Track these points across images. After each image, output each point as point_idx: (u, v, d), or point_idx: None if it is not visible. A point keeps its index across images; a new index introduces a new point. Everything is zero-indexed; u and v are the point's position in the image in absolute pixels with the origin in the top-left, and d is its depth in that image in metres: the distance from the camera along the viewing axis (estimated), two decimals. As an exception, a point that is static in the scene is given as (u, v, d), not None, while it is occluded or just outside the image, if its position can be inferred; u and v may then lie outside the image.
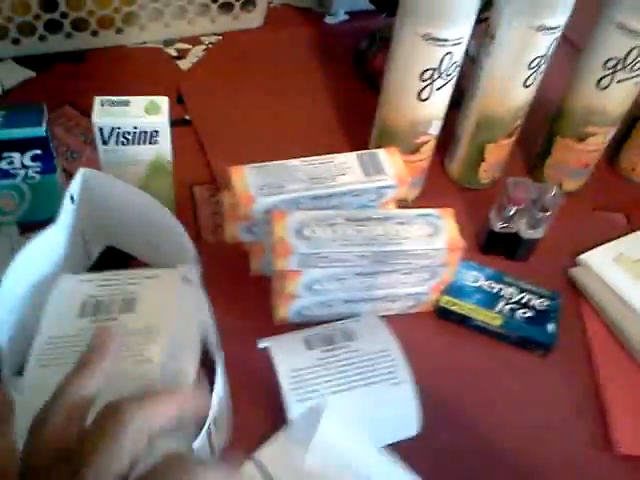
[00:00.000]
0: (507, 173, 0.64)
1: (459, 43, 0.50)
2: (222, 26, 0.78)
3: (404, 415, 0.44)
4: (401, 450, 0.44)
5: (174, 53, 0.76)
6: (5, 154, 0.48)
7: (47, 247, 0.45)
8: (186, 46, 0.77)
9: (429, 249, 0.46)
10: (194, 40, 0.77)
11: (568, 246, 0.60)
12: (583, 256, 0.59)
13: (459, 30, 0.49)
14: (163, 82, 0.71)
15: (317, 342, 0.46)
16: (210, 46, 0.77)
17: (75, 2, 0.69)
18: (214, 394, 0.38)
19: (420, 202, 0.61)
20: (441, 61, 0.50)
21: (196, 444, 0.37)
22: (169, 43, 0.77)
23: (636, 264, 0.58)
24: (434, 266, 0.48)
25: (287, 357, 0.44)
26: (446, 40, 0.49)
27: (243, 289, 0.53)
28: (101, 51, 0.74)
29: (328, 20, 0.83)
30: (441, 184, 0.65)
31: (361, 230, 0.46)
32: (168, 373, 0.38)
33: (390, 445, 0.44)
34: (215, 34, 0.78)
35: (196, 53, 0.76)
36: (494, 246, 0.59)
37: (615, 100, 0.58)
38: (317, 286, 0.47)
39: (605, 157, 0.68)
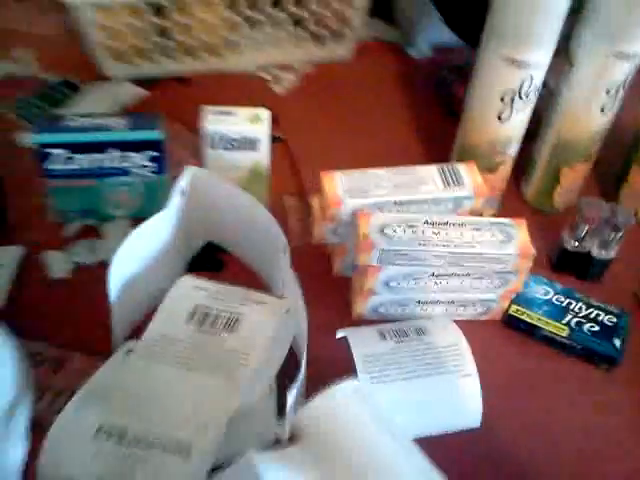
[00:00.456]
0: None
1: (540, 67, 0.54)
2: (314, 56, 0.85)
3: (468, 406, 0.47)
4: (456, 442, 0.47)
5: (269, 78, 0.83)
6: (127, 154, 0.55)
7: (155, 230, 0.51)
8: (281, 73, 0.84)
9: (501, 254, 0.50)
10: (288, 67, 0.84)
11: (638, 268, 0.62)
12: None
13: (541, 54, 0.53)
14: (259, 104, 0.78)
15: (391, 334, 0.50)
16: (303, 73, 0.84)
17: (185, 30, 0.77)
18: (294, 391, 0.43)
19: (494, 220, 0.65)
20: (521, 84, 0.54)
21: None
22: (265, 69, 0.84)
23: None
24: (505, 272, 0.51)
25: (362, 344, 0.48)
26: (528, 63, 0.53)
27: (325, 287, 0.57)
28: (205, 74, 0.82)
29: (412, 53, 0.89)
30: (516, 206, 0.68)
31: (439, 233, 0.50)
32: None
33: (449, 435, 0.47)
34: (308, 62, 0.85)
35: (289, 79, 0.83)
36: (566, 265, 0.61)
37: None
38: (394, 283, 0.51)
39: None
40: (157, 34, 0.77)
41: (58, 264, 0.56)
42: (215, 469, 0.41)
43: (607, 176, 0.70)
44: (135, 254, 0.49)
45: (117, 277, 0.47)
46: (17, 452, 0.42)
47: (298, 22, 0.82)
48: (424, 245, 0.49)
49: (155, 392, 0.44)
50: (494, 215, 0.65)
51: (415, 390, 0.46)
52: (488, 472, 0.48)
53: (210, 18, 0.77)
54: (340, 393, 0.39)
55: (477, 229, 0.51)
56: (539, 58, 0.54)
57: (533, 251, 0.51)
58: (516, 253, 0.50)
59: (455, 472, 0.39)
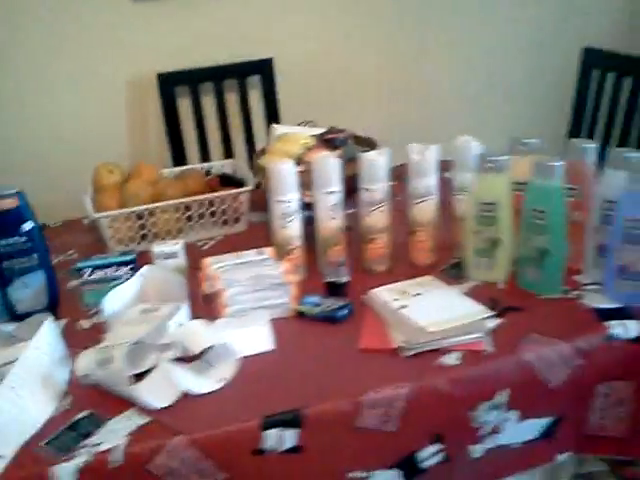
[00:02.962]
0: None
1: (294, 201, 1.24)
2: (225, 232, 1.56)
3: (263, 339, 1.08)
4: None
5: (201, 245, 1.53)
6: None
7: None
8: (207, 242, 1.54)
9: (274, 273, 1.14)
10: (210, 239, 1.55)
11: None
12: None
13: (291, 195, 1.23)
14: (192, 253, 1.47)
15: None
16: (219, 240, 1.54)
17: (154, 225, 1.50)
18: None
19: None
20: (285, 210, 1.24)
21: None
22: (198, 241, 1.54)
23: None
24: (280, 284, 1.15)
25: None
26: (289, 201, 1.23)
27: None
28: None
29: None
30: (313, 269, 1.33)
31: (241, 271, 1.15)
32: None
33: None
34: (223, 235, 1.56)
35: (211, 244, 1.53)
36: (330, 287, 1.24)
37: None
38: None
39: None
40: (139, 228, 1.49)
41: None
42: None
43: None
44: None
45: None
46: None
47: (213, 213, 1.55)
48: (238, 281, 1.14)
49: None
50: (299, 280, 1.29)
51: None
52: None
53: (169, 219, 1.51)
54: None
55: (257, 265, 1.16)
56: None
57: (292, 271, 1.15)
58: (282, 271, 1.14)
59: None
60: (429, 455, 1.04)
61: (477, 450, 1.07)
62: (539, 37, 2.21)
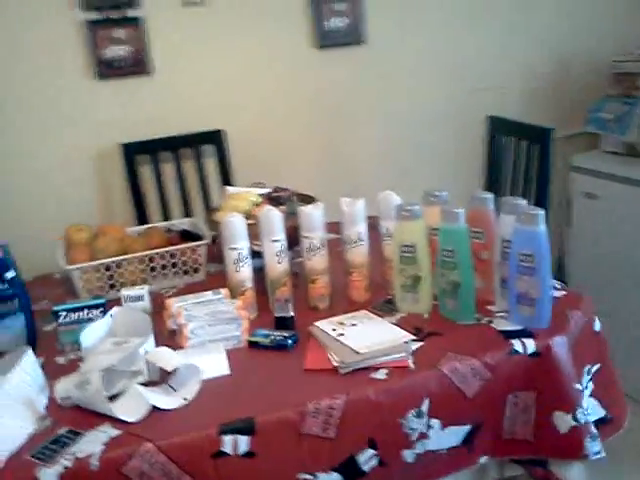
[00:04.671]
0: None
1: (245, 248, 1.44)
2: (186, 281, 1.74)
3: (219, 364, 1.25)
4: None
5: (164, 293, 1.70)
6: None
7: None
8: (170, 291, 1.71)
9: (227, 309, 1.33)
10: (172, 288, 1.72)
11: None
12: None
13: (241, 244, 1.43)
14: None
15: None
16: (180, 289, 1.72)
17: (120, 275, 1.67)
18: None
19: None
20: (238, 257, 1.44)
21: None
22: (161, 289, 1.71)
23: None
24: (233, 318, 1.33)
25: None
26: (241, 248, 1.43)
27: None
28: (133, 297, 1.69)
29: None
30: (263, 308, 1.51)
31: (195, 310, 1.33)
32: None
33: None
34: (184, 284, 1.73)
35: (173, 292, 1.70)
36: (278, 322, 1.42)
37: None
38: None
39: None
40: (108, 279, 1.66)
41: None
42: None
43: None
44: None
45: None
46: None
47: (174, 265, 1.73)
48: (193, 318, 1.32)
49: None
50: (254, 317, 1.47)
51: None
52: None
53: (134, 270, 1.68)
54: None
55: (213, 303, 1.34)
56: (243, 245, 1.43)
57: (244, 307, 1.33)
58: (235, 307, 1.33)
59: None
60: (367, 459, 1.21)
61: (409, 455, 1.25)
62: (451, 108, 2.55)
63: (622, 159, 2.35)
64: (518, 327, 1.35)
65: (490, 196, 1.42)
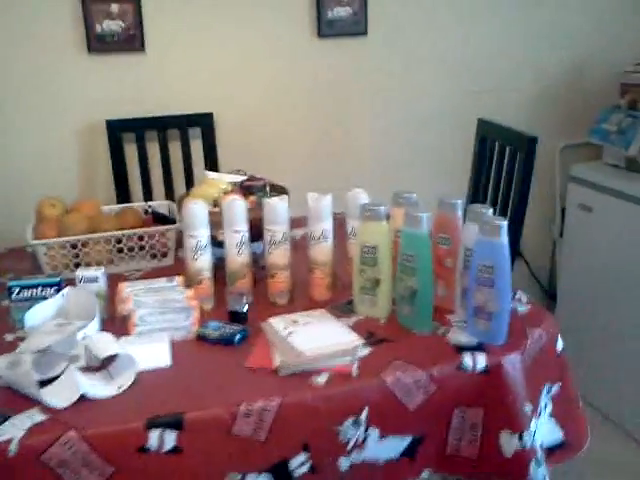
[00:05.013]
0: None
1: (204, 237, 1.41)
2: (154, 265, 1.72)
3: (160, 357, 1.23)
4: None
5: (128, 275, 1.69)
6: (42, 284, 1.38)
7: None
8: (136, 274, 1.70)
9: (178, 298, 1.30)
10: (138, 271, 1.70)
11: None
12: None
13: (201, 232, 1.41)
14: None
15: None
16: (145, 272, 1.70)
17: (87, 255, 1.66)
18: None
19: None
20: (196, 244, 1.41)
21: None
22: (129, 272, 1.70)
23: None
24: (184, 308, 1.31)
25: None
26: (197, 236, 1.40)
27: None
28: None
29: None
30: (220, 299, 1.49)
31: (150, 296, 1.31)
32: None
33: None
34: (152, 269, 1.71)
35: (138, 275, 1.69)
36: (233, 316, 1.40)
37: None
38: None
39: None
40: (73, 257, 1.65)
41: None
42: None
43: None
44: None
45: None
46: None
47: (142, 247, 1.71)
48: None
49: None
50: (209, 308, 1.45)
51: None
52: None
53: (102, 250, 1.66)
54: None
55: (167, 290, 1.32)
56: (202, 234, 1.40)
57: (196, 297, 1.31)
58: (187, 296, 1.30)
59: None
60: (299, 464, 1.18)
61: (344, 463, 1.22)
62: (451, 108, 2.48)
63: (622, 173, 2.27)
64: (473, 340, 1.30)
65: (459, 201, 1.37)
